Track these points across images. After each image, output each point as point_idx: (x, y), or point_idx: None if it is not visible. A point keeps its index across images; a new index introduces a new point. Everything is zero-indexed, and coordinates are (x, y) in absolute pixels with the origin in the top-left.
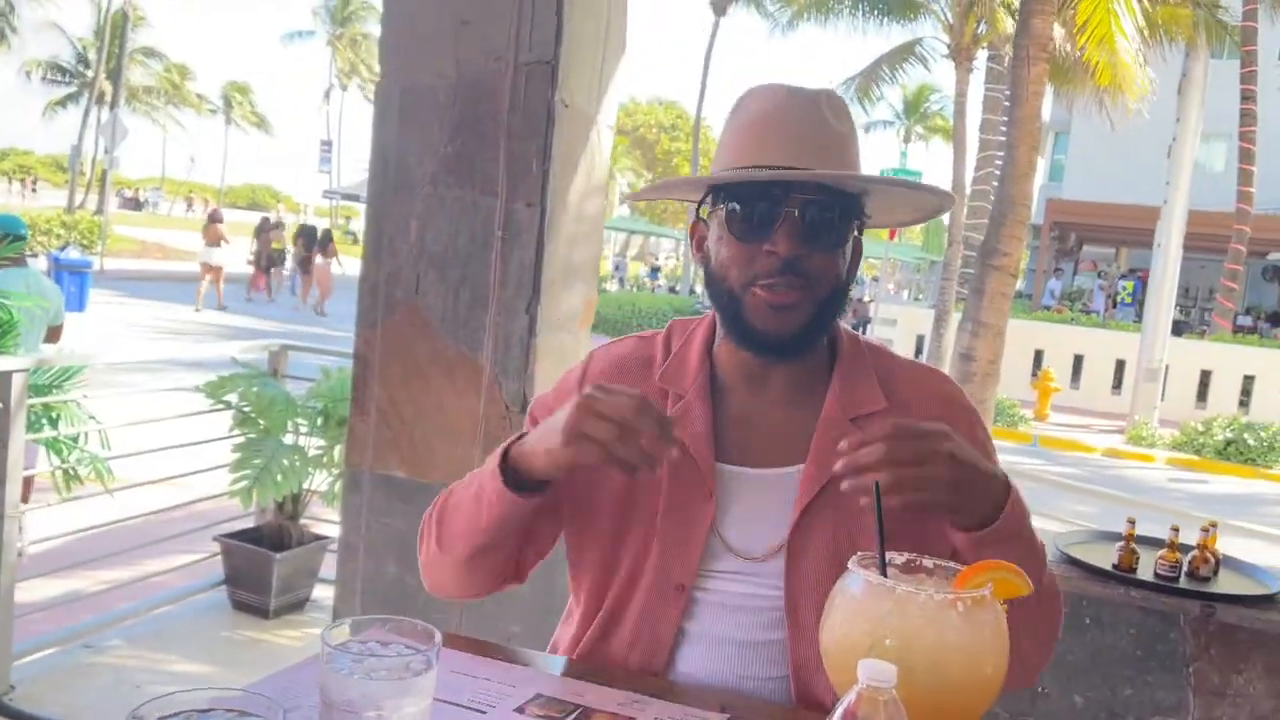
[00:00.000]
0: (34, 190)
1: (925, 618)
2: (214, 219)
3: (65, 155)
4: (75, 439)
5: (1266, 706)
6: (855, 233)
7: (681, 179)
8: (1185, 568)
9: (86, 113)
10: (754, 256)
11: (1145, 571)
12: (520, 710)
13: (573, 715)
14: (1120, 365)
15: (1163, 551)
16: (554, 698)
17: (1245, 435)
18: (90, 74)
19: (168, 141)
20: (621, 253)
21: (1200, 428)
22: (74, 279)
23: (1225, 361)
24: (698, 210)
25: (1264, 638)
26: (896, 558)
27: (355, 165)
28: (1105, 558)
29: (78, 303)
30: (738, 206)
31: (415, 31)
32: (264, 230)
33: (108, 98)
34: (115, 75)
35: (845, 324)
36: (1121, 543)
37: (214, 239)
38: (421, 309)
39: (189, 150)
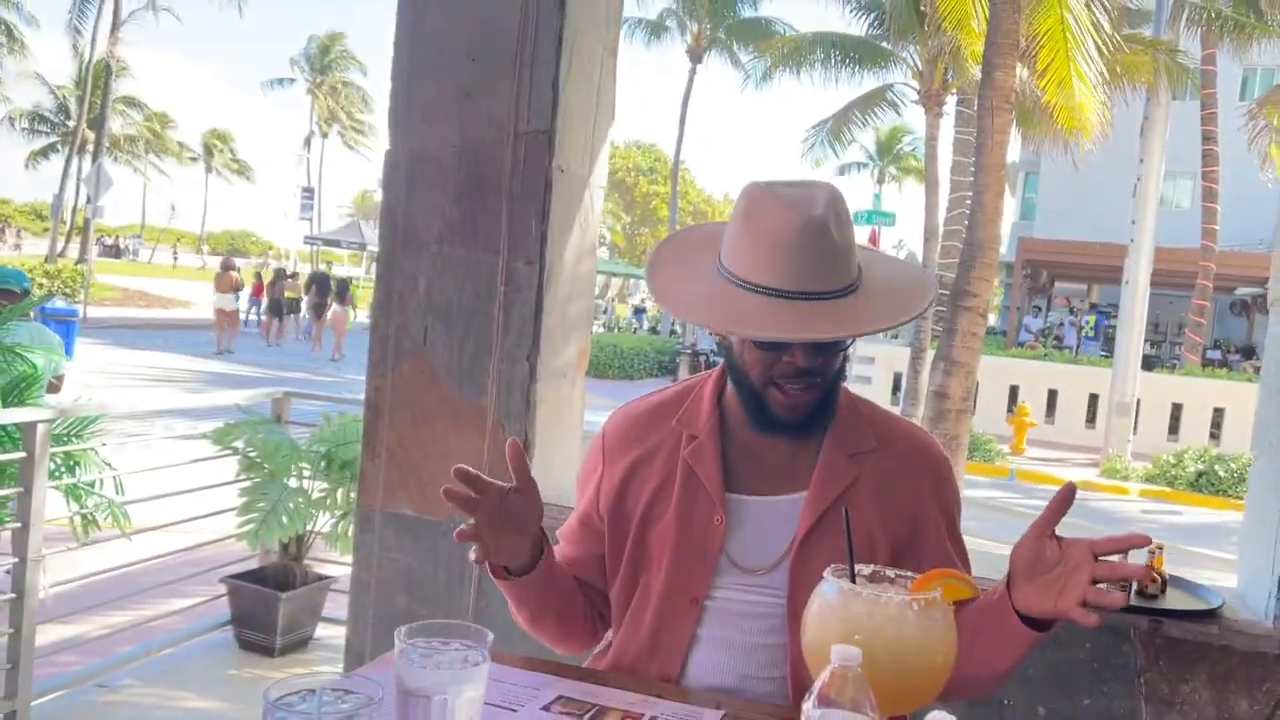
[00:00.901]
0: (14, 243)
1: (887, 616)
2: (227, 267)
3: (43, 203)
4: (93, 485)
5: (1211, 713)
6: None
7: (710, 316)
8: (1135, 586)
9: (68, 162)
10: (774, 363)
11: None
12: (546, 709)
13: (589, 713)
14: (1093, 399)
15: None
16: (573, 698)
17: (1216, 467)
18: (72, 123)
19: (148, 189)
20: (601, 294)
21: (1172, 460)
22: (60, 328)
23: (1195, 395)
24: None
25: (1207, 650)
26: (864, 569)
27: (336, 211)
28: None
29: (66, 352)
30: None
31: (421, 103)
32: (278, 279)
33: (89, 146)
34: (98, 125)
35: None
36: None
37: (228, 287)
38: (429, 359)
39: (169, 197)
